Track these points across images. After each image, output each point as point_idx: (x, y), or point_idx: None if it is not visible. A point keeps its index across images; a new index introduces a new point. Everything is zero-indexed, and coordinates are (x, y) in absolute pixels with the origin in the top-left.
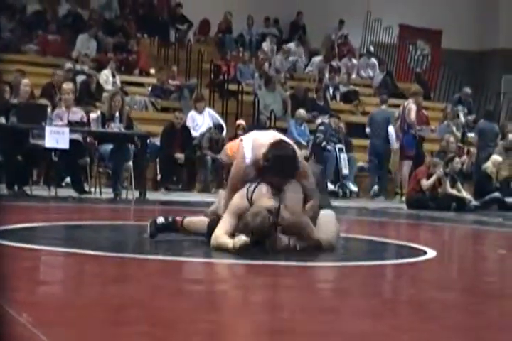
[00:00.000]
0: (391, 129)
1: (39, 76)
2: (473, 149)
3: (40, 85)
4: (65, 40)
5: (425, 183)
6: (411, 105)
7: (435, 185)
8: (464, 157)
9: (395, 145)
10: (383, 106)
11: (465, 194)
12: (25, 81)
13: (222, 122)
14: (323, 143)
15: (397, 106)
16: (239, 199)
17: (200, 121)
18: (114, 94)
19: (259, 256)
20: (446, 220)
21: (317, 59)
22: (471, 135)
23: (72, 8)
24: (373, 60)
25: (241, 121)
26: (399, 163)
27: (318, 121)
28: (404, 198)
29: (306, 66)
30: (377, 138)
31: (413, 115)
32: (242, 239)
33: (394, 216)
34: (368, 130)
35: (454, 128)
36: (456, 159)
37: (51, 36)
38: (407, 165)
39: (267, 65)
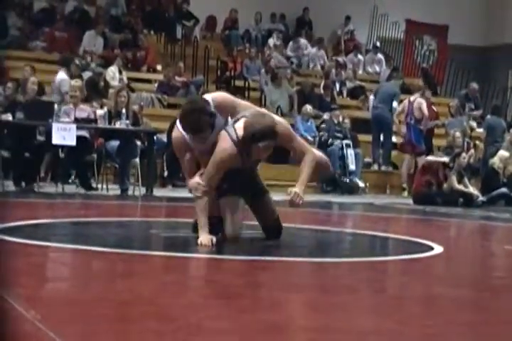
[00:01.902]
0: (395, 104)
1: (46, 73)
2: (479, 144)
3: (47, 82)
4: (72, 37)
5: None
6: (419, 100)
7: (441, 180)
8: (472, 151)
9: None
10: (392, 81)
11: (472, 189)
12: (32, 78)
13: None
14: (329, 140)
15: (402, 101)
16: (223, 148)
17: None
18: (119, 90)
19: (267, 252)
20: (453, 216)
21: (320, 51)
22: (478, 130)
23: (78, 5)
24: (380, 56)
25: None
26: (412, 159)
27: (325, 116)
28: (405, 193)
29: (309, 60)
30: (381, 110)
31: (425, 109)
32: (206, 238)
33: (400, 211)
34: (372, 100)
35: (465, 123)
36: (463, 154)
37: (58, 33)
38: (420, 161)
39: (273, 60)
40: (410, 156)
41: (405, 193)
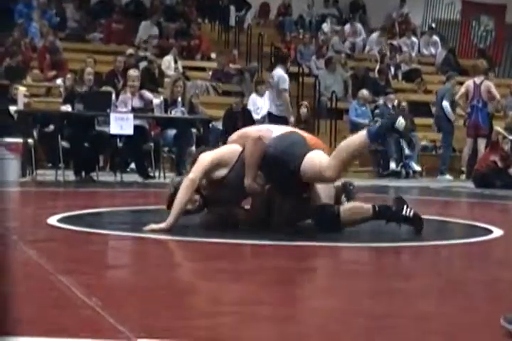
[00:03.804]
0: (445, 103)
1: (103, 64)
2: None
3: (104, 73)
4: (128, 28)
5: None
6: (488, 83)
7: (498, 161)
8: None
9: (451, 116)
10: (447, 84)
11: None
12: (88, 69)
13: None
14: None
15: (461, 83)
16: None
17: (261, 104)
18: (176, 79)
19: (323, 238)
20: None
21: (374, 35)
22: None
23: None
24: (435, 38)
25: (303, 102)
26: (474, 141)
27: (380, 101)
28: (464, 176)
29: (364, 46)
30: (436, 115)
31: (496, 92)
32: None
33: (458, 195)
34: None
35: None
36: None
37: (115, 24)
38: (483, 143)
39: (331, 45)
40: (472, 139)
41: (463, 176)
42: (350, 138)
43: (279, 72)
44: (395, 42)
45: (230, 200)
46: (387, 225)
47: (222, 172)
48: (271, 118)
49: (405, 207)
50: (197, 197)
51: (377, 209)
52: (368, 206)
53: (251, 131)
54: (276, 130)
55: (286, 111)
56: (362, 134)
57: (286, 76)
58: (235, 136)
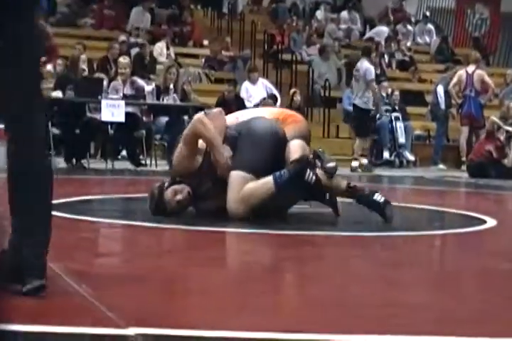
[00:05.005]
0: (439, 89)
1: (95, 49)
2: None
3: (96, 59)
4: (120, 14)
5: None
6: (480, 72)
7: (493, 151)
8: None
9: (442, 105)
10: (446, 74)
11: None
12: (83, 57)
13: (276, 92)
14: (377, 115)
15: (455, 72)
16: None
17: (254, 92)
18: (169, 66)
19: (318, 227)
20: (508, 189)
21: (383, 28)
22: None
23: None
24: (430, 26)
25: (295, 89)
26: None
27: None
28: (464, 167)
29: (362, 34)
30: (432, 104)
31: (490, 81)
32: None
33: (452, 184)
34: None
35: None
36: None
37: (106, 10)
38: (480, 134)
39: (326, 33)
40: (467, 128)
41: (464, 167)
42: (257, 184)
43: (364, 64)
44: (388, 30)
45: (215, 191)
46: (377, 216)
47: (199, 158)
48: (356, 111)
49: (377, 193)
50: (186, 188)
51: (351, 185)
52: (344, 181)
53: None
54: (245, 115)
55: (375, 100)
56: (269, 182)
57: (372, 67)
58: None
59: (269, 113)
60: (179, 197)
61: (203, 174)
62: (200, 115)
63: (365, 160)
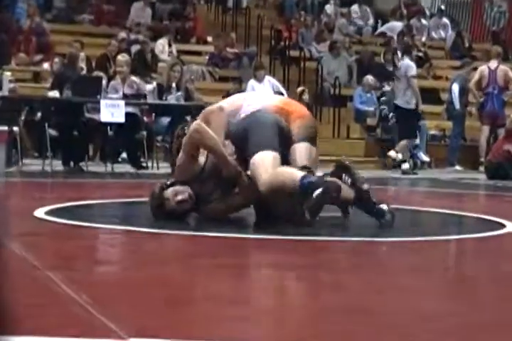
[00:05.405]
0: (454, 87)
1: (94, 47)
2: None
3: (95, 56)
4: (120, 9)
5: None
6: (504, 67)
7: None
8: None
9: (457, 105)
10: (462, 70)
11: None
12: (82, 55)
13: (283, 91)
14: (390, 114)
15: (475, 69)
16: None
17: (260, 91)
18: (173, 64)
19: (327, 233)
20: None
21: (396, 23)
22: None
23: None
24: (445, 20)
25: (303, 87)
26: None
27: (386, 88)
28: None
29: (374, 29)
30: (448, 102)
31: None
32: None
33: (469, 187)
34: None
35: None
36: None
37: (105, 5)
38: (495, 133)
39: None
40: (488, 127)
41: (482, 168)
42: (287, 173)
43: (406, 61)
44: (400, 25)
45: (219, 193)
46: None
47: (201, 159)
48: (397, 111)
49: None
50: (187, 190)
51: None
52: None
53: (210, 108)
54: (250, 101)
55: (415, 98)
56: (296, 179)
57: (413, 64)
58: (201, 115)
59: (277, 100)
60: (180, 197)
61: (206, 175)
62: (196, 124)
63: (406, 165)
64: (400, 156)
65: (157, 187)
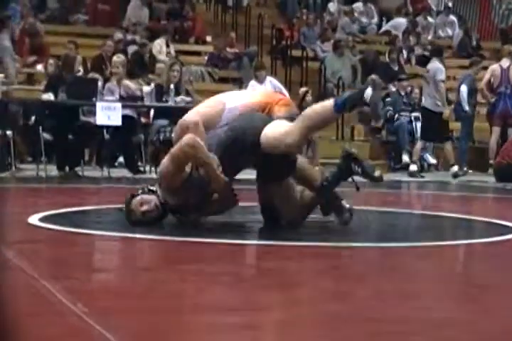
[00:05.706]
0: (463, 88)
1: (89, 48)
2: None
3: (90, 57)
4: (116, 9)
5: None
6: None
7: None
8: None
9: (466, 107)
10: (469, 70)
11: None
12: (79, 57)
13: (285, 92)
14: (395, 116)
15: (484, 68)
16: None
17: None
18: (172, 63)
19: (337, 237)
20: None
21: (401, 21)
22: None
23: None
24: (452, 18)
25: (306, 88)
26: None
27: (391, 88)
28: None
29: (379, 27)
30: (456, 102)
31: None
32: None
33: (478, 190)
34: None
35: None
36: None
37: (100, 5)
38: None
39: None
40: (500, 128)
41: (491, 170)
42: (317, 107)
43: (435, 64)
44: (406, 22)
45: (199, 203)
46: (399, 224)
47: (186, 169)
48: (425, 113)
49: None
50: (154, 200)
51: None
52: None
53: (185, 122)
54: (229, 104)
55: (441, 101)
56: (329, 105)
57: (442, 67)
58: (177, 127)
59: (258, 95)
60: (145, 207)
61: (191, 186)
62: (189, 139)
63: (414, 166)
64: (415, 168)
65: (128, 195)
